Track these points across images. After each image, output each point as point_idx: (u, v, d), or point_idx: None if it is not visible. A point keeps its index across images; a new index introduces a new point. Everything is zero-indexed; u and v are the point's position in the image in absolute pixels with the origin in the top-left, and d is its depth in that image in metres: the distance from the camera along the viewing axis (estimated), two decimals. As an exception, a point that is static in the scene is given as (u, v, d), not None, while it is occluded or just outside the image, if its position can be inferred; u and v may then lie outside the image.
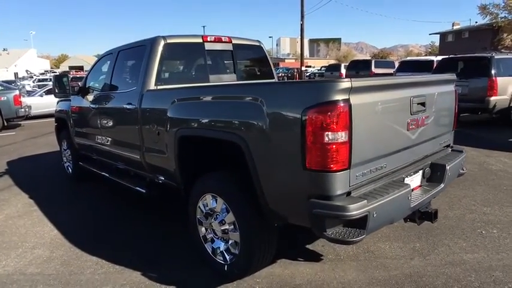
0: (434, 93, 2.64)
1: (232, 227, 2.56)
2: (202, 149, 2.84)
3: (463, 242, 3.17)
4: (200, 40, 3.78)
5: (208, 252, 2.80)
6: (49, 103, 13.56)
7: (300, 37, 29.80)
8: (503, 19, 31.53)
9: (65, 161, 5.62)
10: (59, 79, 4.60)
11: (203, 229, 2.84)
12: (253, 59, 4.34)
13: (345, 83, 1.88)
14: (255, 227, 2.43)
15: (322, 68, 35.13)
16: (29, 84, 24.72)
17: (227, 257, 2.64)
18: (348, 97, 1.88)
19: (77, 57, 77.25)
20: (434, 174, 2.70)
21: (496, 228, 3.40)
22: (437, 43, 51.76)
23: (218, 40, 3.90)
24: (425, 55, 48.70)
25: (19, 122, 11.91)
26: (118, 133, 3.87)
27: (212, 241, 2.78)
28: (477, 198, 4.19)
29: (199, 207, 2.80)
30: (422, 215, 2.49)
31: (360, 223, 1.95)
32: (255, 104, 2.17)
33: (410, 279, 2.63)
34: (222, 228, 2.62)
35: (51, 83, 23.94)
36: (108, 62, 4.32)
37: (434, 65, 12.20)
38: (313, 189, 1.96)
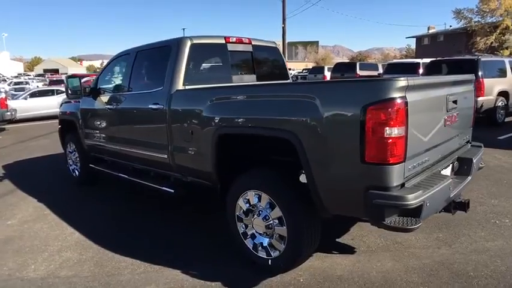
0: (462, 92, 2.85)
1: (277, 222, 2.66)
2: (241, 147, 2.93)
3: (481, 231, 3.40)
4: (223, 41, 3.86)
5: (249, 248, 2.88)
6: (34, 106, 13.23)
7: (282, 40, 30.25)
8: (476, 23, 33.16)
9: (71, 164, 5.53)
10: (72, 81, 4.55)
11: (242, 226, 2.92)
12: (270, 60, 4.46)
13: (402, 82, 2.03)
14: (302, 221, 2.54)
15: (304, 71, 35.66)
16: (3, 88, 23.80)
17: (271, 252, 2.74)
18: (404, 94, 2.04)
19: (52, 60, 75.00)
20: (462, 168, 2.90)
21: (508, 218, 3.66)
22: (413, 46, 53.60)
23: (239, 41, 4.00)
24: (401, 58, 50.12)
25: (3, 126, 11.51)
26: (140, 134, 3.88)
27: (253, 237, 2.87)
28: (483, 192, 4.46)
29: (238, 204, 2.89)
30: (457, 205, 2.67)
31: (414, 212, 2.10)
32: (310, 102, 2.29)
33: (443, 266, 2.81)
34: (266, 223, 2.71)
35: (29, 86, 23.24)
36: (125, 63, 4.32)
37: (420, 68, 12.74)
38: (371, 181, 2.09)
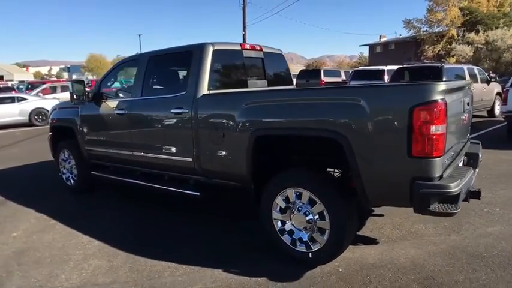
0: (469, 95, 3.28)
1: (317, 216, 2.88)
2: (277, 148, 3.12)
3: (479, 219, 3.86)
4: (239, 47, 4.04)
5: (287, 244, 3.07)
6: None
7: None
8: (425, 32, 35.94)
9: (64, 172, 5.36)
10: (77, 85, 4.46)
11: (279, 223, 3.11)
12: (277, 66, 4.69)
13: (443, 85, 2.36)
14: (344, 214, 2.78)
15: None
16: None
17: (311, 245, 2.94)
18: (444, 96, 2.36)
19: (-5, 66, 69.34)
20: (469, 161, 3.31)
21: (498, 207, 4.17)
22: (366, 54, 56.67)
23: (252, 48, 4.20)
24: (356, 65, 52.63)
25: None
26: (158, 138, 3.91)
27: (290, 233, 3.06)
28: (468, 185, 5.00)
29: (276, 202, 3.07)
30: (471, 194, 3.06)
31: (453, 199, 2.43)
32: (356, 105, 2.54)
33: (459, 250, 3.19)
34: (307, 218, 2.92)
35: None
36: (134, 68, 4.34)
37: (385, 74, 13.66)
38: (417, 173, 2.39)
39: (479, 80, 10.79)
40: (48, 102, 13.15)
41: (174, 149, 3.76)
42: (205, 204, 4.50)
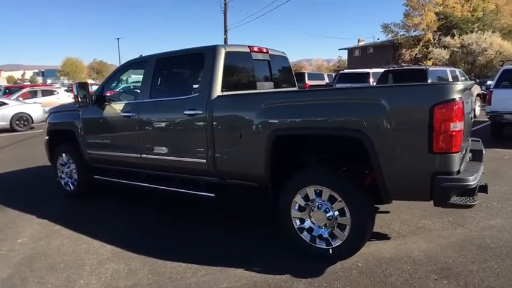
0: (472, 95, 3.48)
1: (338, 213, 2.98)
2: (296, 148, 3.21)
3: (480, 213, 4.07)
4: (248, 50, 4.12)
5: (306, 241, 3.16)
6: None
7: None
8: (402, 36, 37.09)
9: (63, 177, 5.26)
10: (82, 87, 4.41)
11: (298, 221, 3.19)
12: (282, 68, 4.79)
13: (460, 85, 2.52)
14: (365, 210, 2.90)
15: None
16: None
17: (332, 242, 3.04)
18: (461, 95, 2.52)
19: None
20: (474, 157, 3.51)
21: (495, 202, 4.40)
22: (344, 57, 57.85)
23: (259, 50, 4.28)
24: (336, 69, 53.50)
25: None
26: (169, 140, 3.93)
27: (310, 230, 3.15)
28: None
29: (295, 200, 3.15)
30: (480, 188, 3.24)
31: (470, 191, 2.59)
32: (377, 104, 2.67)
33: (467, 242, 3.37)
34: (328, 215, 3.02)
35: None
36: (141, 71, 4.34)
37: (370, 77, 14.05)
38: (438, 168, 2.53)
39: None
40: (30, 107, 12.78)
41: (186, 151, 3.79)
42: (209, 205, 4.55)
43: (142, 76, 4.35)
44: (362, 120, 2.73)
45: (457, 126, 2.49)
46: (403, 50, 36.69)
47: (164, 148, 4.00)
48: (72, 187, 5.18)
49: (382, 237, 3.56)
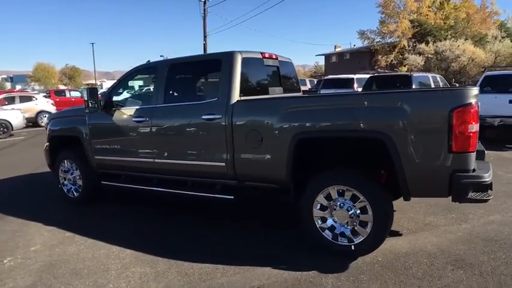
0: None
1: (359, 211, 3.18)
2: (317, 150, 3.40)
3: (478, 209, 4.38)
4: (260, 56, 4.29)
5: (328, 239, 3.34)
6: None
7: None
8: (378, 43, 38.33)
9: (66, 183, 5.21)
10: (93, 92, 4.43)
11: (320, 220, 3.37)
12: (289, 73, 4.98)
13: (475, 90, 2.79)
14: (386, 207, 3.12)
15: None
16: None
17: (354, 238, 3.23)
18: (476, 100, 2.79)
19: None
20: (477, 157, 3.80)
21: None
22: (321, 63, 59.12)
23: (270, 57, 4.46)
24: (311, 75, 54.50)
25: None
26: (187, 144, 4.02)
27: (331, 229, 3.33)
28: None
29: (317, 200, 3.33)
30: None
31: (485, 187, 2.84)
32: (399, 108, 2.90)
33: (473, 236, 3.65)
34: (350, 213, 3.22)
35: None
36: (152, 76, 4.43)
37: (355, 83, 14.53)
38: (457, 166, 2.78)
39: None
40: (9, 114, 12.39)
41: (204, 155, 3.90)
42: (218, 208, 4.66)
43: (153, 82, 4.42)
44: (385, 123, 2.95)
45: (474, 128, 2.75)
46: (379, 56, 37.81)
47: (179, 152, 4.08)
48: (75, 194, 5.15)
49: (394, 234, 3.79)
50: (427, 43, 29.73)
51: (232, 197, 3.81)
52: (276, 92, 4.49)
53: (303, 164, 3.45)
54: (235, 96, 3.74)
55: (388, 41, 37.84)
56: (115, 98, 4.69)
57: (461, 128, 2.73)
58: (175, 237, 3.97)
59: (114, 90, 4.76)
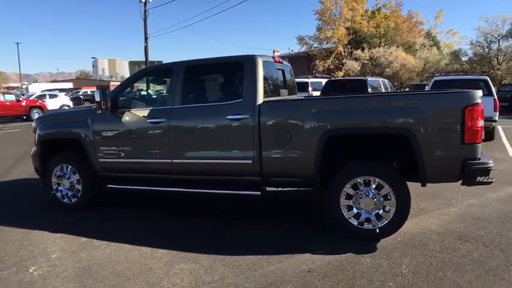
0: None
1: (383, 198, 3.68)
2: (343, 146, 3.83)
3: (458, 196, 5.17)
4: (272, 60, 4.63)
5: (354, 225, 3.79)
6: None
7: (144, 58, 30.61)
8: (316, 48, 40.57)
9: (60, 189, 5.00)
10: (104, 93, 4.35)
11: (346, 208, 3.80)
12: (290, 76, 5.37)
13: (480, 92, 3.44)
14: (406, 193, 3.65)
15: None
16: None
17: (378, 222, 3.72)
18: (481, 100, 3.44)
19: None
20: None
21: (464, 187, 5.59)
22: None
23: (278, 61, 4.83)
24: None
25: None
26: (211, 144, 4.19)
27: (357, 215, 3.79)
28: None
29: (345, 191, 3.76)
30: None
31: (488, 172, 3.50)
32: (420, 107, 3.46)
33: (465, 216, 4.38)
34: (375, 200, 3.70)
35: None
36: (165, 78, 4.52)
37: (309, 86, 15.43)
38: (468, 155, 3.41)
39: (388, 90, 13.23)
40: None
41: (230, 153, 4.12)
42: (231, 205, 4.90)
43: (168, 83, 4.52)
44: (408, 120, 3.49)
45: (480, 123, 3.40)
46: (317, 61, 39.95)
47: (201, 152, 4.24)
48: (72, 199, 4.97)
49: (400, 219, 4.37)
50: (362, 49, 32.30)
51: (259, 193, 4.08)
52: (283, 94, 4.86)
53: (329, 159, 3.86)
54: (261, 97, 4.03)
55: (325, 46, 40.25)
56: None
57: (471, 123, 3.36)
58: (199, 235, 4.10)
59: (120, 91, 4.72)
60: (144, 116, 4.44)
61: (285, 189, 4.14)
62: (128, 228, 4.39)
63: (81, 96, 29.85)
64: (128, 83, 4.82)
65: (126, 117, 4.52)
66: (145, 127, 4.44)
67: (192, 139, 4.31)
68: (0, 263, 3.62)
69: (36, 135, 5.12)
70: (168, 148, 4.35)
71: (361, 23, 36.91)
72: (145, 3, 26.32)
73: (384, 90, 12.71)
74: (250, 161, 4.04)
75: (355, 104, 3.82)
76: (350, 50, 35.54)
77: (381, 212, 3.72)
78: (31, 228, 4.43)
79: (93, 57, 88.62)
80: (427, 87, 10.79)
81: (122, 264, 3.52)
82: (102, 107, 4.35)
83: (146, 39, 29.73)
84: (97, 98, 4.33)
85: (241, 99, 4.06)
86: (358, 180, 3.71)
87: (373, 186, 3.69)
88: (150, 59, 32.68)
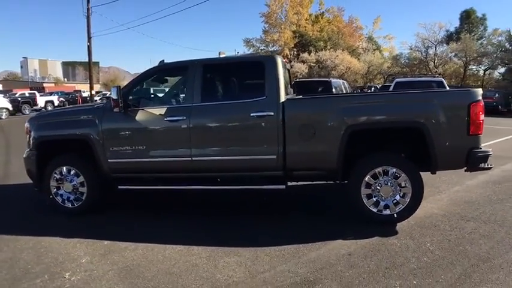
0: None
1: (399, 186, 4.13)
2: (364, 139, 4.21)
3: (442, 184, 5.86)
4: (284, 60, 4.90)
5: (374, 212, 4.20)
6: None
7: (88, 59, 29.26)
8: (262, 51, 41.60)
9: (61, 193, 4.77)
10: (119, 92, 4.26)
11: (366, 197, 4.20)
12: (288, 76, 5.67)
13: (480, 90, 4.04)
14: (420, 181, 4.14)
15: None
16: None
17: (396, 208, 4.16)
18: (481, 97, 4.04)
19: None
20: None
21: (444, 177, 6.33)
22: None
23: (287, 61, 5.13)
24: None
25: None
26: (235, 140, 4.33)
27: (377, 203, 4.20)
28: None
29: (365, 180, 4.16)
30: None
31: (487, 159, 4.11)
32: (432, 103, 3.97)
33: (454, 201, 5.02)
34: (392, 188, 4.14)
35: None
36: (182, 76, 4.57)
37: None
38: (472, 145, 3.98)
39: (347, 91, 14.18)
40: None
41: (254, 149, 4.30)
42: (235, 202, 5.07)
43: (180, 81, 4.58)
44: (423, 115, 3.98)
45: (482, 117, 3.99)
46: (264, 63, 40.84)
47: (224, 149, 4.37)
48: (75, 203, 4.78)
49: (403, 206, 4.89)
50: (309, 52, 33.80)
51: (284, 186, 4.32)
52: (290, 92, 5.15)
53: (350, 152, 4.23)
54: (283, 94, 4.28)
55: (272, 49, 41.51)
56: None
57: (475, 117, 3.94)
58: (222, 231, 4.23)
59: (130, 90, 4.66)
60: (160, 114, 4.44)
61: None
62: (145, 228, 4.36)
63: (19, 99, 27.54)
64: (138, 81, 4.77)
65: (141, 116, 4.49)
66: (163, 125, 4.45)
67: (213, 136, 4.41)
68: (27, 271, 3.44)
69: (32, 136, 4.82)
70: (189, 146, 4.41)
71: (305, 27, 38.60)
72: (88, 1, 25.00)
73: (344, 91, 13.58)
74: (274, 156, 4.26)
75: (376, 100, 4.24)
76: (297, 53, 36.96)
77: (398, 198, 4.16)
78: (38, 234, 4.21)
79: (24, 57, 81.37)
80: (390, 87, 11.87)
81: (164, 263, 3.54)
82: (120, 105, 4.28)
83: (89, 38, 28.28)
84: (114, 96, 4.25)
85: (265, 97, 4.27)
86: (377, 170, 4.13)
87: (391, 175, 4.13)
88: (94, 59, 31.24)
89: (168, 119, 4.41)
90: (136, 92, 4.73)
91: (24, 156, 4.91)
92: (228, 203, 5.27)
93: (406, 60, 31.37)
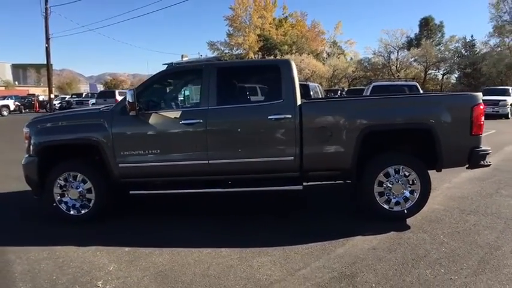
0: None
1: (409, 184, 4.45)
2: (378, 139, 4.49)
3: (434, 181, 6.31)
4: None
5: (386, 209, 4.48)
6: None
7: (46, 61, 28.02)
8: (227, 54, 41.73)
9: (65, 200, 4.61)
10: (135, 95, 4.21)
11: (378, 194, 4.48)
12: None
13: (481, 94, 4.46)
14: (428, 178, 4.49)
15: (73, 96, 35.20)
16: None
17: (406, 204, 4.47)
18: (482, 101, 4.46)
19: None
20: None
21: (435, 174, 6.81)
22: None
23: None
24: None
25: None
26: (251, 143, 4.44)
27: (388, 200, 4.49)
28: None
29: (378, 179, 4.43)
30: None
31: (485, 157, 4.53)
32: (440, 106, 4.33)
33: (450, 196, 5.46)
34: (403, 185, 4.45)
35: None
36: (196, 79, 4.63)
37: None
38: (474, 144, 4.39)
39: (321, 94, 14.69)
40: None
41: (271, 151, 4.44)
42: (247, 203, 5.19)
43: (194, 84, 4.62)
44: (432, 116, 4.33)
45: (483, 119, 4.42)
46: (228, 66, 40.99)
47: (240, 151, 4.47)
48: (82, 210, 4.64)
49: (405, 203, 5.24)
50: (275, 56, 34.41)
51: (301, 187, 4.49)
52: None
53: (364, 152, 4.49)
54: (299, 97, 4.46)
55: (236, 52, 41.74)
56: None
57: (477, 119, 4.35)
58: (248, 231, 4.34)
59: (140, 93, 4.62)
60: (175, 118, 4.45)
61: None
62: (163, 233, 4.36)
63: None
64: (149, 84, 4.73)
65: (154, 119, 4.47)
66: (178, 128, 4.46)
67: (230, 139, 4.49)
68: (54, 283, 3.32)
69: (32, 142, 4.62)
70: (205, 149, 4.45)
71: (270, 31, 39.24)
72: (46, 1, 23.85)
73: (319, 94, 14.05)
74: (291, 158, 4.43)
75: (389, 103, 4.55)
76: (262, 57, 37.45)
77: (408, 195, 4.48)
78: (48, 244, 4.08)
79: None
80: (366, 91, 12.46)
81: (197, 266, 3.57)
82: (136, 108, 4.24)
83: (48, 39, 27.04)
84: (130, 99, 4.21)
85: (282, 100, 4.43)
86: (389, 169, 4.42)
87: (402, 173, 4.43)
88: (52, 61, 29.87)
89: (184, 122, 4.43)
90: (147, 95, 4.69)
91: (23, 162, 4.69)
92: (241, 205, 5.35)
93: (370, 65, 33.04)
